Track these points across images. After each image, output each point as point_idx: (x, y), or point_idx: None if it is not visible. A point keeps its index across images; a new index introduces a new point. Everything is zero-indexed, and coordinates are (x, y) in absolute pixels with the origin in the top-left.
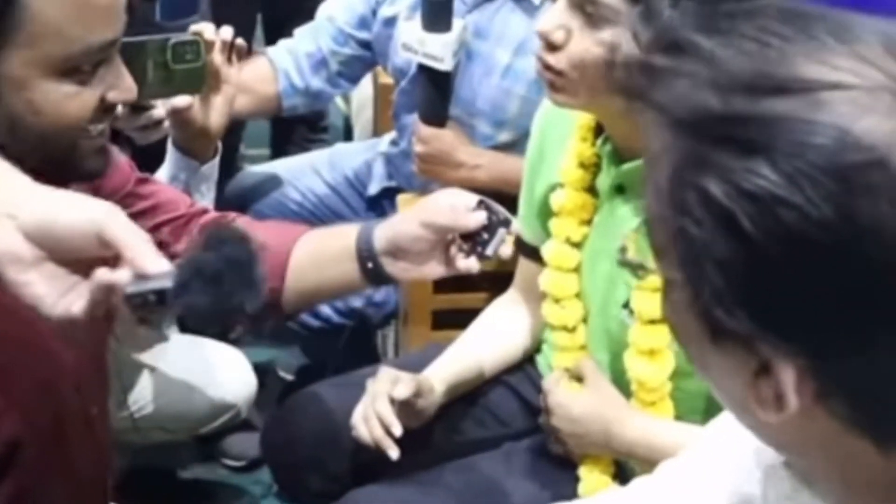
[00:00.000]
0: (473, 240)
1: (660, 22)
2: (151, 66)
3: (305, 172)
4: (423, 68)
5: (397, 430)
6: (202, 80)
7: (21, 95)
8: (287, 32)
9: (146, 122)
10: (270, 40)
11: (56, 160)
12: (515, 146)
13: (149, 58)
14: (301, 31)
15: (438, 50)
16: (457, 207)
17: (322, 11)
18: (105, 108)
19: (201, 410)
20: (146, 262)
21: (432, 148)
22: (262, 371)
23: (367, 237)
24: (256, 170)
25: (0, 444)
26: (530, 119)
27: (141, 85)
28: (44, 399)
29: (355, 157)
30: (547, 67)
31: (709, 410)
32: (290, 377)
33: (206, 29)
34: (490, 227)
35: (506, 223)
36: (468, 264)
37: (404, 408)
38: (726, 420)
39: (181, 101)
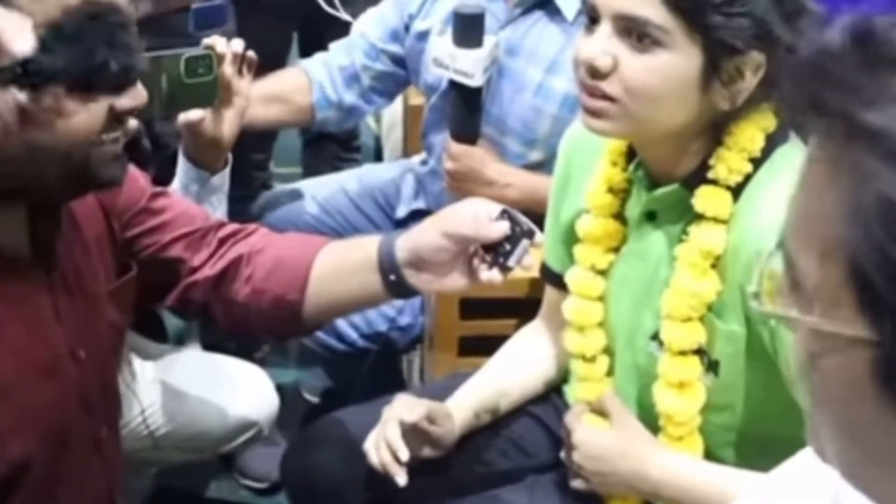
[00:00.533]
0: (496, 251)
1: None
2: (165, 81)
3: (333, 192)
4: (453, 84)
5: (403, 454)
6: (214, 94)
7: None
8: (323, 49)
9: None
10: (306, 54)
11: (70, 174)
12: (546, 165)
13: (163, 72)
14: (336, 45)
15: (469, 66)
16: (479, 217)
17: (357, 27)
18: (116, 117)
19: (221, 429)
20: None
21: (462, 165)
22: (287, 393)
23: (389, 248)
24: (284, 188)
25: (7, 465)
26: (560, 138)
27: (155, 100)
28: (50, 419)
29: (384, 177)
30: (594, 94)
31: (739, 444)
32: (315, 400)
33: (217, 42)
34: (513, 238)
35: (529, 234)
36: (491, 276)
37: (419, 435)
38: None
39: (194, 114)
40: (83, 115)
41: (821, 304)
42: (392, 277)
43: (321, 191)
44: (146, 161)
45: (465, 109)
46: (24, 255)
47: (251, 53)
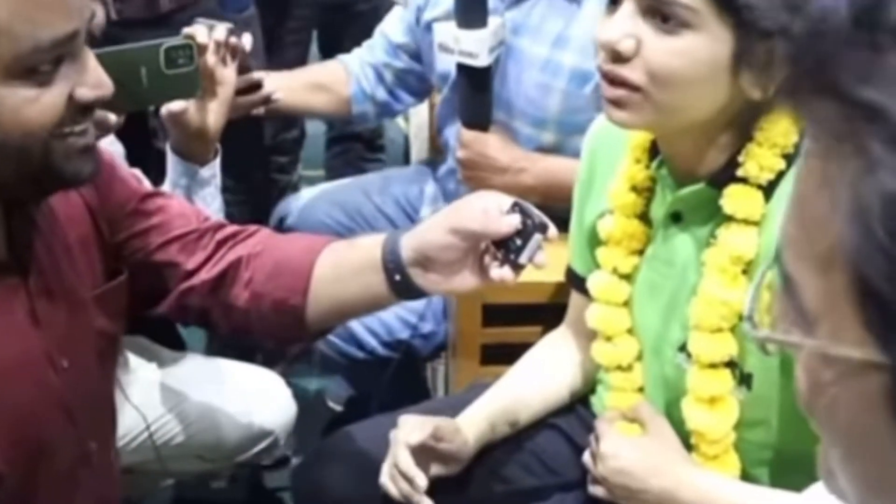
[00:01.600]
0: (507, 247)
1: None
2: (145, 73)
3: (355, 195)
4: (461, 69)
5: (420, 480)
6: (196, 85)
7: None
8: (343, 47)
9: (242, 84)
10: (326, 55)
11: (31, 171)
12: (560, 149)
13: (141, 64)
14: (366, 42)
15: (473, 46)
16: (489, 211)
17: (381, 24)
18: (80, 108)
19: (237, 438)
20: None
21: (473, 152)
22: (311, 401)
23: (394, 247)
24: (305, 192)
25: None
26: (572, 116)
27: (135, 92)
28: (23, 430)
29: (407, 180)
30: (615, 82)
31: (776, 462)
32: (338, 408)
33: (198, 32)
34: (525, 233)
35: (542, 228)
36: (502, 274)
37: (428, 454)
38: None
39: (176, 105)
40: (36, 106)
41: (824, 324)
42: (397, 278)
43: (343, 193)
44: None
45: (473, 92)
46: None
47: (234, 40)
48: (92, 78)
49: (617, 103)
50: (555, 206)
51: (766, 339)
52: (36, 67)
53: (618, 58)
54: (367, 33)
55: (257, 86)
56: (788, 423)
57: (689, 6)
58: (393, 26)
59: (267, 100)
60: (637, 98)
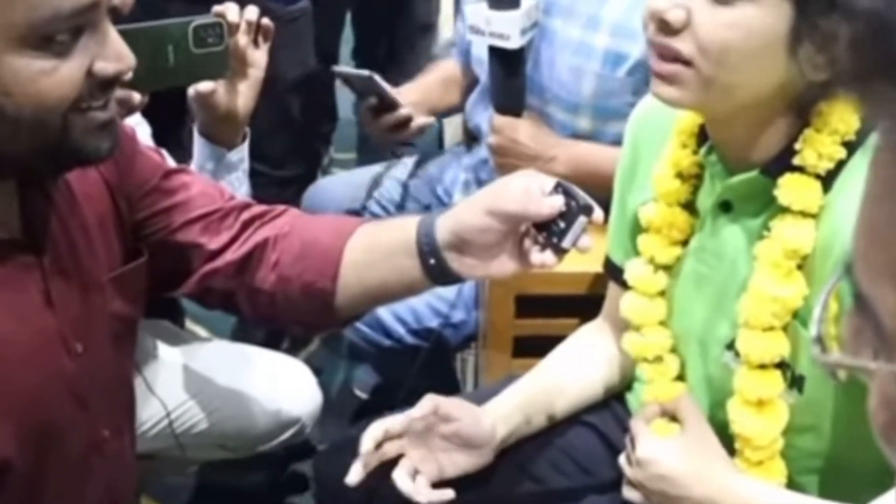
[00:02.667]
0: (549, 230)
1: None
2: (172, 51)
3: (387, 180)
4: (492, 52)
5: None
6: (225, 65)
7: None
8: (376, 32)
9: (394, 122)
10: (360, 39)
11: (48, 146)
12: (595, 136)
13: (169, 42)
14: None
15: (505, 27)
16: (530, 191)
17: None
18: (101, 82)
19: (262, 426)
20: None
21: (504, 138)
22: (337, 389)
23: (429, 230)
24: (337, 177)
25: None
26: (607, 101)
27: (161, 70)
28: (35, 415)
29: (440, 165)
30: (665, 56)
31: (826, 471)
32: (364, 396)
33: (229, 10)
34: (568, 215)
35: (587, 210)
36: (543, 258)
37: (443, 440)
38: None
39: (204, 86)
40: (52, 78)
41: None
42: (432, 262)
43: (373, 177)
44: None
45: (505, 75)
46: (12, 234)
47: (266, 21)
48: (112, 51)
49: (666, 78)
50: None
51: (838, 365)
52: (53, 37)
53: (667, 28)
54: (404, 10)
55: (408, 120)
56: (841, 431)
57: None
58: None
59: (421, 129)
60: (688, 74)
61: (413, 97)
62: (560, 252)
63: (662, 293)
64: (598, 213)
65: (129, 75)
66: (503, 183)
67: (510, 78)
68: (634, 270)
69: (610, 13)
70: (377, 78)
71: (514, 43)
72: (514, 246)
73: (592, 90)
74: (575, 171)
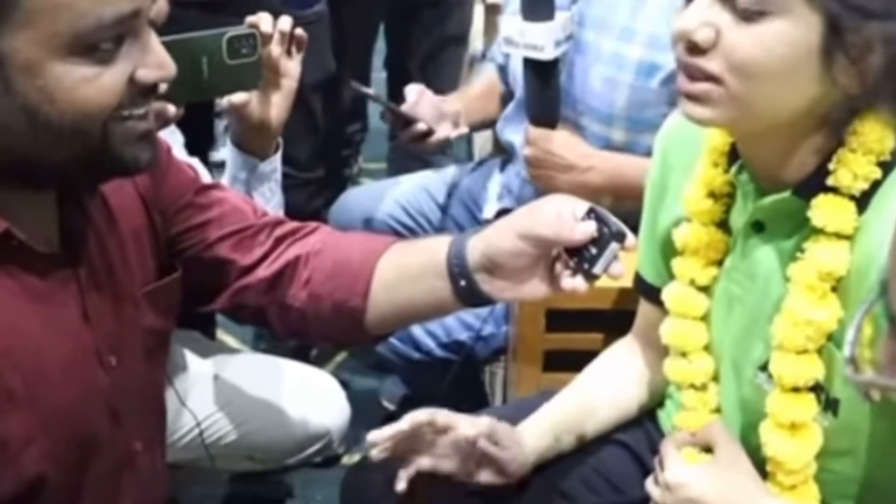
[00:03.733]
0: (580, 255)
1: None
2: (206, 63)
3: (416, 191)
4: (527, 63)
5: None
6: (258, 75)
7: (32, 83)
8: (409, 40)
9: (410, 136)
10: (392, 47)
11: (88, 155)
12: (631, 148)
13: (203, 53)
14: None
15: (539, 38)
16: (562, 216)
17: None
18: (141, 90)
19: (290, 439)
20: None
21: (539, 150)
22: (365, 400)
23: (460, 251)
24: (366, 188)
25: (21, 479)
26: (641, 112)
27: (196, 82)
28: (71, 429)
29: (472, 178)
30: (694, 76)
31: (861, 496)
32: (392, 408)
33: (262, 20)
34: (600, 241)
35: (619, 237)
36: (574, 284)
37: (480, 457)
38: None
39: (238, 97)
40: (94, 85)
41: None
42: (462, 283)
43: (403, 190)
44: None
45: (540, 87)
46: (51, 248)
47: (300, 31)
48: (154, 58)
49: (695, 98)
50: (623, 209)
51: (871, 384)
52: (97, 45)
53: (695, 49)
54: (437, 22)
55: (427, 134)
56: (878, 456)
57: None
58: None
59: (440, 143)
60: (717, 92)
61: (455, 107)
62: (591, 278)
63: (704, 317)
64: (630, 240)
65: (167, 84)
66: (536, 207)
67: (544, 89)
68: (674, 294)
69: (644, 24)
70: (383, 98)
71: (548, 54)
72: (546, 269)
73: (626, 101)
74: (610, 181)
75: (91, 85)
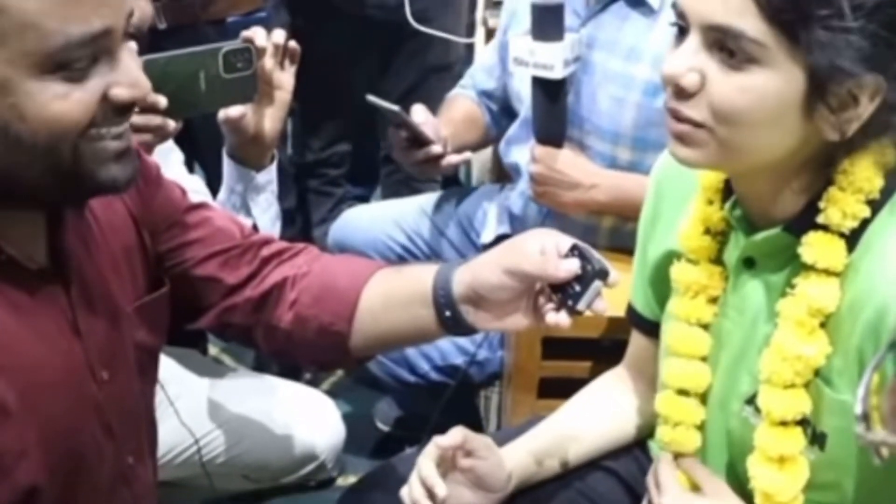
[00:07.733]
0: (564, 291)
1: None
2: (203, 77)
3: (413, 214)
4: (535, 82)
5: (440, 490)
6: (254, 89)
7: (4, 100)
8: (389, 70)
9: (424, 157)
10: (373, 78)
11: (61, 175)
12: (636, 168)
13: (200, 68)
14: (468, 72)
15: (548, 57)
16: (547, 253)
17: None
18: (116, 109)
19: (284, 460)
20: None
21: (544, 167)
22: (359, 421)
23: (445, 282)
24: (366, 208)
25: (14, 492)
26: (647, 132)
27: (193, 97)
28: (64, 443)
29: (469, 201)
30: (679, 118)
31: None
32: (386, 428)
33: (257, 35)
34: (584, 279)
35: (602, 274)
36: (558, 319)
37: (459, 475)
38: None
39: (234, 111)
40: (65, 103)
41: None
42: (447, 314)
43: (402, 215)
44: None
45: (548, 106)
46: (40, 264)
47: (293, 44)
48: (128, 77)
49: (681, 139)
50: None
51: (883, 444)
52: (69, 64)
53: (681, 93)
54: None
55: (439, 157)
56: (863, 488)
57: (756, 41)
58: (478, 73)
59: (454, 166)
60: (701, 135)
61: (445, 132)
62: (574, 314)
63: (705, 358)
64: (613, 277)
65: (146, 101)
66: (521, 242)
67: (552, 108)
68: (676, 333)
69: (652, 45)
70: (405, 115)
71: (556, 73)
72: (529, 303)
73: (633, 120)
74: (614, 199)
75: (62, 102)
